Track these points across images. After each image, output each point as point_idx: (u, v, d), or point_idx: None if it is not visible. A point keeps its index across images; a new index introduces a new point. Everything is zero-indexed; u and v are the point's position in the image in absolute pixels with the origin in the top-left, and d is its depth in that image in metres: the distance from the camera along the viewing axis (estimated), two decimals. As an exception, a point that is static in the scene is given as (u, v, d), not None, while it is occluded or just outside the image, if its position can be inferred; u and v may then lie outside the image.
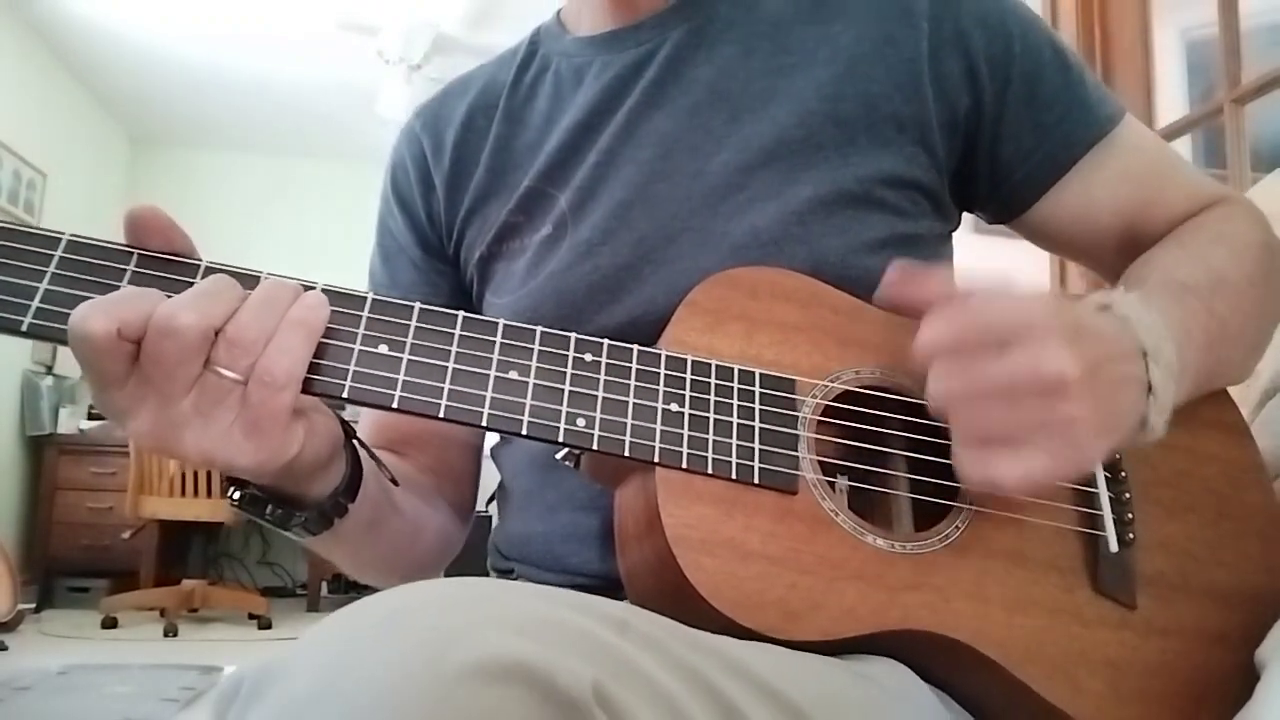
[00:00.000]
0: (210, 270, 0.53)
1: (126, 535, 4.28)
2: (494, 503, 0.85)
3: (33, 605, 4.43)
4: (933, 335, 0.53)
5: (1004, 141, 0.74)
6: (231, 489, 0.58)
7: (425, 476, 0.80)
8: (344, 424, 0.60)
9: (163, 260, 0.52)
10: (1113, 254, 0.76)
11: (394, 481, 0.65)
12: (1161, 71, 2.43)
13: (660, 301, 0.65)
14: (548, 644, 0.36)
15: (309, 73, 4.89)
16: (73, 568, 4.70)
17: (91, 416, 4.90)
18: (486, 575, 0.82)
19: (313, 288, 0.53)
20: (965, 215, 0.81)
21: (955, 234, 0.81)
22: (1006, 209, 0.78)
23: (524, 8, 0.84)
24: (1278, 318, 0.73)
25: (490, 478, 0.85)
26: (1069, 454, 0.52)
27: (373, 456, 0.64)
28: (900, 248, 0.70)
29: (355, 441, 0.62)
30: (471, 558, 0.86)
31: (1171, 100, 2.49)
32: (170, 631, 4.02)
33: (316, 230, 5.62)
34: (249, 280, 0.52)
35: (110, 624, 4.19)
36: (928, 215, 0.74)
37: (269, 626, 4.28)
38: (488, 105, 0.82)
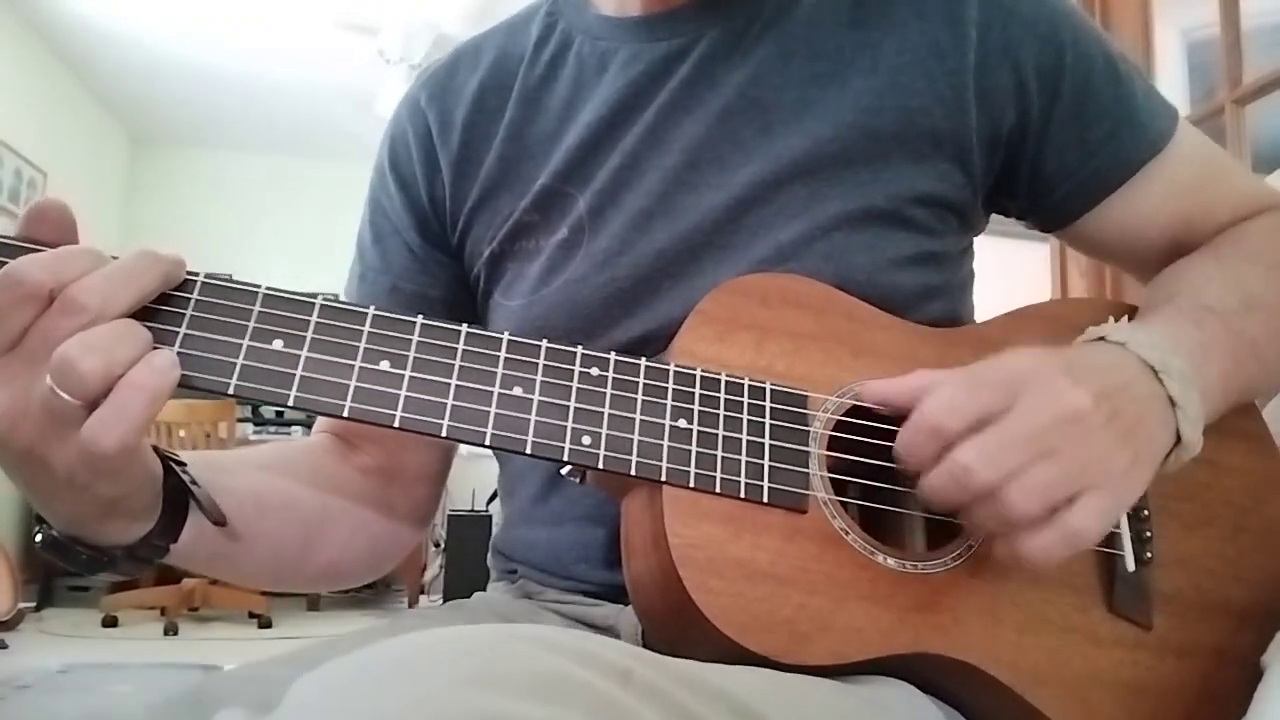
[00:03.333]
0: (207, 285, 0.51)
1: (126, 535, 4.27)
2: (494, 502, 0.83)
3: (33, 604, 4.43)
4: (945, 413, 0.51)
5: (1048, 157, 0.72)
6: (36, 530, 0.54)
7: (368, 478, 0.76)
8: (169, 461, 0.56)
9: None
10: (1159, 265, 0.74)
11: (218, 523, 0.59)
12: (1162, 72, 2.42)
13: (677, 316, 0.62)
14: (554, 703, 0.35)
15: (309, 73, 4.88)
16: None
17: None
18: (486, 573, 0.81)
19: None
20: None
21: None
22: (1047, 222, 0.76)
23: (522, 7, 0.81)
24: None
25: (487, 476, 0.83)
26: (1116, 484, 0.52)
27: (195, 498, 0.58)
28: (927, 265, 0.69)
29: (179, 479, 0.57)
30: (472, 557, 0.86)
31: (1172, 100, 2.48)
32: (170, 630, 4.00)
33: (316, 230, 5.61)
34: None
35: (110, 623, 4.17)
36: (954, 231, 0.72)
37: (269, 625, 4.26)
38: (501, 84, 0.77)
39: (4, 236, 0.49)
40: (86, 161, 5.27)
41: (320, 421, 0.80)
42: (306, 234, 5.65)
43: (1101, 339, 0.60)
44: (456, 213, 0.76)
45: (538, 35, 0.78)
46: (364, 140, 5.45)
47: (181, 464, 0.57)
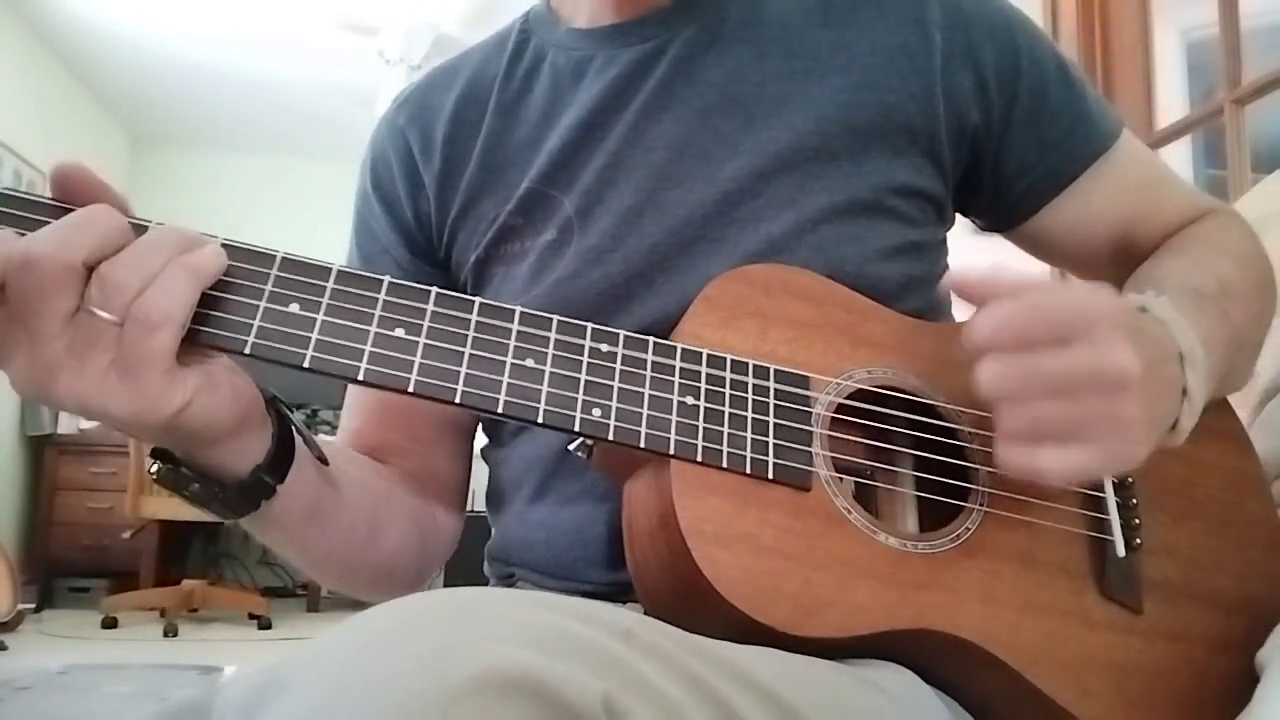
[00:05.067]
0: (226, 247, 0.52)
1: (126, 535, 4.27)
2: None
3: (33, 605, 4.43)
4: (992, 328, 0.52)
5: (1008, 155, 0.75)
6: (153, 462, 0.55)
7: (407, 481, 0.77)
8: (273, 399, 0.58)
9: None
10: (1105, 264, 0.77)
11: (323, 460, 0.61)
12: (1162, 72, 2.43)
13: (672, 310, 0.64)
14: (556, 656, 0.36)
15: (309, 73, 4.89)
16: (73, 568, 4.69)
17: (91, 416, 4.90)
18: (484, 578, 0.81)
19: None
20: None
21: (955, 236, 0.81)
22: (1004, 219, 0.79)
23: (524, 9, 0.83)
24: (1269, 325, 0.74)
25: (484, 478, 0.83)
26: (1119, 451, 0.53)
27: (301, 433, 0.60)
28: (910, 255, 0.71)
29: (286, 418, 0.59)
30: (471, 559, 0.86)
31: (1172, 101, 2.49)
32: (170, 631, 4.01)
33: (316, 230, 5.59)
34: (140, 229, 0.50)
35: (110, 624, 4.18)
36: (933, 222, 0.74)
37: (269, 627, 4.27)
38: (477, 99, 0.79)
39: (41, 196, 0.50)
40: (86, 161, 5.27)
41: (348, 441, 0.81)
42: (306, 234, 5.62)
43: (1143, 309, 0.60)
44: (442, 225, 0.78)
45: (511, 52, 0.80)
46: (364, 140, 5.44)
47: (290, 409, 0.59)
